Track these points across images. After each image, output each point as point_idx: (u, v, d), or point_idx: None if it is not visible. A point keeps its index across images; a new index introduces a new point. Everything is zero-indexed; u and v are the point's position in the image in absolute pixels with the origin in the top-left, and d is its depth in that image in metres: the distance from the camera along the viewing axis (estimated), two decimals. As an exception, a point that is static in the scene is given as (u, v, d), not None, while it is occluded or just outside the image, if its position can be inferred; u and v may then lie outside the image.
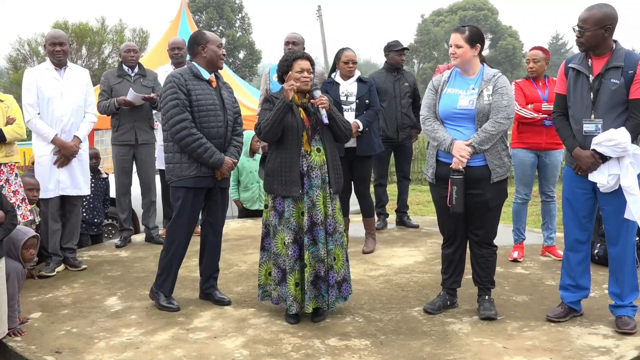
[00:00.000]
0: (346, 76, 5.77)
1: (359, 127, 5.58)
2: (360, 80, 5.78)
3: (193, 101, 4.30)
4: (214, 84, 4.46)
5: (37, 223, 5.34)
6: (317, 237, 4.12)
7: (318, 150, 4.17)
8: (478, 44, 4.09)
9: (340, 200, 4.39)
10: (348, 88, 5.74)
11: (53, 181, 5.40)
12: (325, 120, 4.13)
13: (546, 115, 5.22)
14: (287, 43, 5.92)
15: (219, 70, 4.56)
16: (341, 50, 5.83)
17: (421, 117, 4.26)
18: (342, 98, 5.69)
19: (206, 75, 4.42)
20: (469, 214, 4.16)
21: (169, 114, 4.30)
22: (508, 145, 4.18)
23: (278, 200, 4.15)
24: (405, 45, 6.96)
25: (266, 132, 4.12)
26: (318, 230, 4.11)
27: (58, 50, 5.41)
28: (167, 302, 4.49)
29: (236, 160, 4.50)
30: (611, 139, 3.74)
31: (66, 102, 5.39)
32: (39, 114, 5.34)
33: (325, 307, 4.18)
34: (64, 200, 5.57)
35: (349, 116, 5.62)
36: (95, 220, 6.61)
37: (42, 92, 5.34)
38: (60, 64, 5.46)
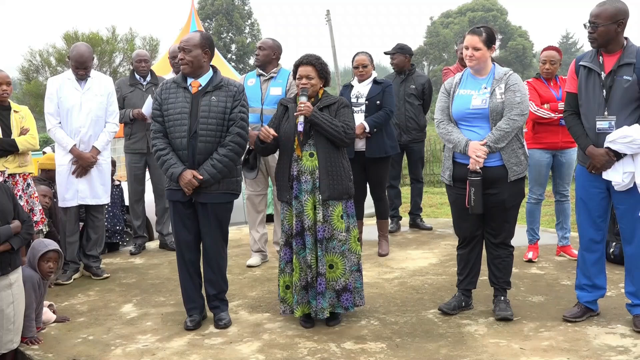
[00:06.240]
0: (361, 79, 5.80)
1: (365, 129, 5.58)
2: (375, 81, 5.78)
3: (164, 110, 4.17)
4: (194, 90, 4.16)
5: (45, 233, 5.31)
6: (306, 242, 4.12)
7: (311, 155, 4.14)
8: (494, 45, 4.09)
9: (355, 202, 4.35)
10: (360, 90, 5.75)
11: (71, 190, 5.41)
12: (299, 128, 4.09)
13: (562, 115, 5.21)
14: (259, 47, 5.74)
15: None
16: (355, 55, 5.89)
17: (435, 120, 4.25)
18: (353, 100, 5.70)
19: (188, 81, 4.19)
20: (486, 214, 4.15)
21: None
22: (524, 143, 4.16)
23: (282, 203, 4.25)
24: (410, 49, 6.94)
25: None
26: (306, 235, 4.11)
27: (82, 74, 5.39)
28: (187, 319, 4.28)
29: (200, 176, 4.02)
30: (626, 136, 3.71)
31: (85, 113, 5.37)
32: (59, 123, 5.38)
33: (313, 314, 4.16)
34: (86, 210, 5.60)
35: (359, 117, 5.61)
36: (117, 227, 6.60)
37: (62, 102, 5.37)
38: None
